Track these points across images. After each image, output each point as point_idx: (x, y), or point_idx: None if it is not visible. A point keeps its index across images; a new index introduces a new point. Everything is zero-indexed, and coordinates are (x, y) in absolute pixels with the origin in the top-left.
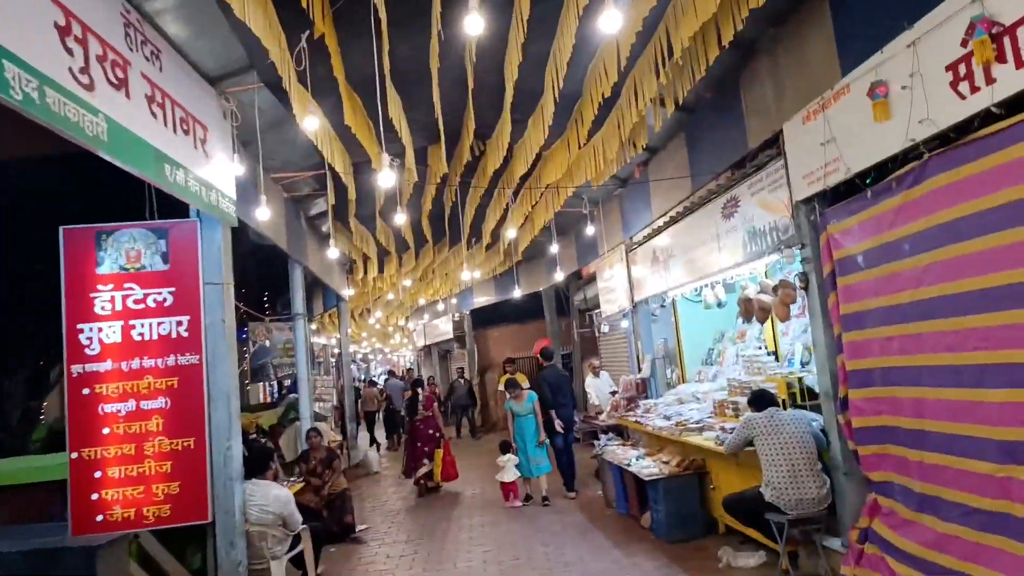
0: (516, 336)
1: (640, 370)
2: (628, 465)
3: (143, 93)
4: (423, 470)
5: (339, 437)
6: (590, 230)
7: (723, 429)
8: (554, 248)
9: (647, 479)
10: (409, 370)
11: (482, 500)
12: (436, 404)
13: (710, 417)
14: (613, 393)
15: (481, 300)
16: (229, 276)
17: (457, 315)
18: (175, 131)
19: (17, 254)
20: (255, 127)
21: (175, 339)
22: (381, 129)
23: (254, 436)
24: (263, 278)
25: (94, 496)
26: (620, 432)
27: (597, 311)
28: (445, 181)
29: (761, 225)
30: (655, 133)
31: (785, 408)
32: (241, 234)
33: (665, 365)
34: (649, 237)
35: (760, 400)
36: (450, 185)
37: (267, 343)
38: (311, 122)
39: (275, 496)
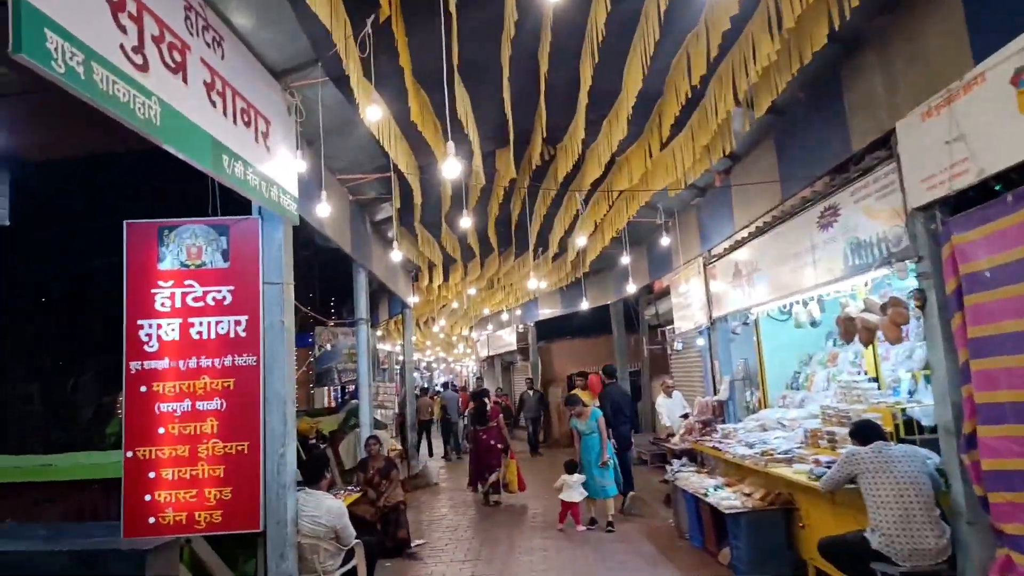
0: (581, 350)
1: (717, 392)
2: (705, 495)
3: (202, 79)
4: (492, 478)
5: (399, 446)
6: (664, 241)
7: (817, 462)
8: (625, 259)
9: (727, 512)
10: (479, 378)
11: (543, 520)
12: (501, 415)
13: (799, 447)
14: (685, 416)
15: (546, 312)
16: (289, 276)
17: (521, 326)
18: (235, 122)
19: (88, 250)
20: (319, 125)
21: (233, 339)
22: (448, 127)
23: (313, 441)
24: (329, 282)
25: (147, 497)
26: (693, 457)
27: (670, 327)
28: (513, 186)
29: (866, 236)
30: (741, 137)
31: (893, 442)
32: (305, 235)
33: (744, 388)
34: (730, 250)
35: (865, 432)
36: (518, 189)
37: (332, 347)
38: (374, 112)
39: (328, 507)
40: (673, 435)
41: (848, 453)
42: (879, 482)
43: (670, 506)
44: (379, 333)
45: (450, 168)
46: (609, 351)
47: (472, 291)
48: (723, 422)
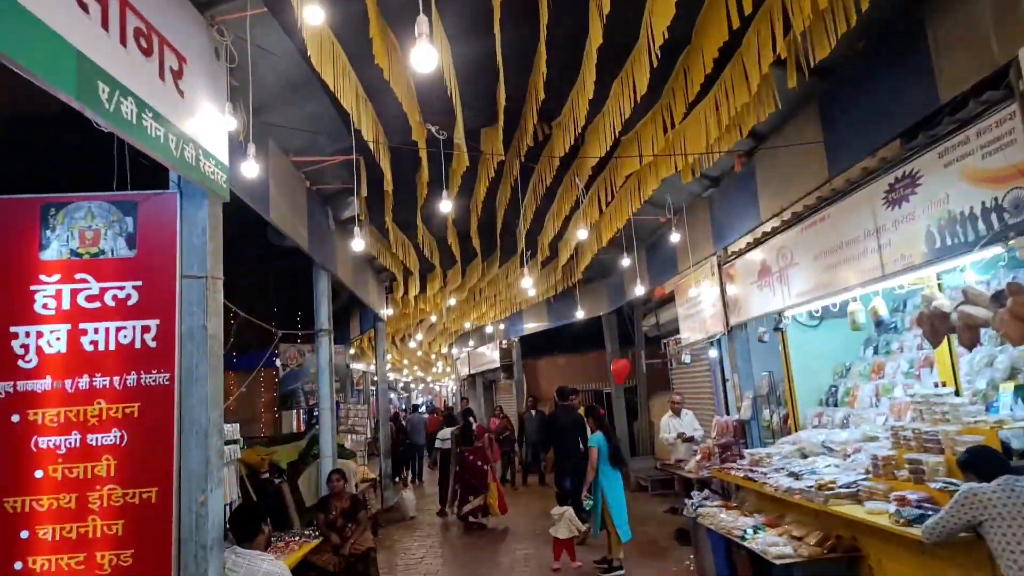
0: (570, 367)
1: (739, 410)
2: (743, 538)
3: None
4: (477, 501)
5: (372, 474)
6: (672, 240)
7: (903, 501)
8: (625, 262)
9: (776, 562)
10: (464, 398)
11: (537, 560)
12: (487, 435)
13: (865, 479)
14: (689, 439)
15: (532, 326)
16: (217, 268)
17: (505, 342)
18: (123, 42)
19: None
20: (268, 87)
21: (139, 350)
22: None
23: (266, 476)
24: (294, 292)
25: (17, 566)
26: (714, 486)
27: (674, 338)
28: (501, 171)
29: (962, 208)
30: (780, 102)
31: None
32: (258, 231)
33: (767, 404)
34: (754, 245)
35: (986, 463)
36: (507, 174)
37: (299, 366)
38: (329, 72)
39: (265, 573)
40: (682, 460)
41: (967, 492)
42: (1018, 531)
43: (684, 544)
44: (352, 351)
45: (423, 58)
46: (601, 367)
47: (452, 301)
48: (745, 444)
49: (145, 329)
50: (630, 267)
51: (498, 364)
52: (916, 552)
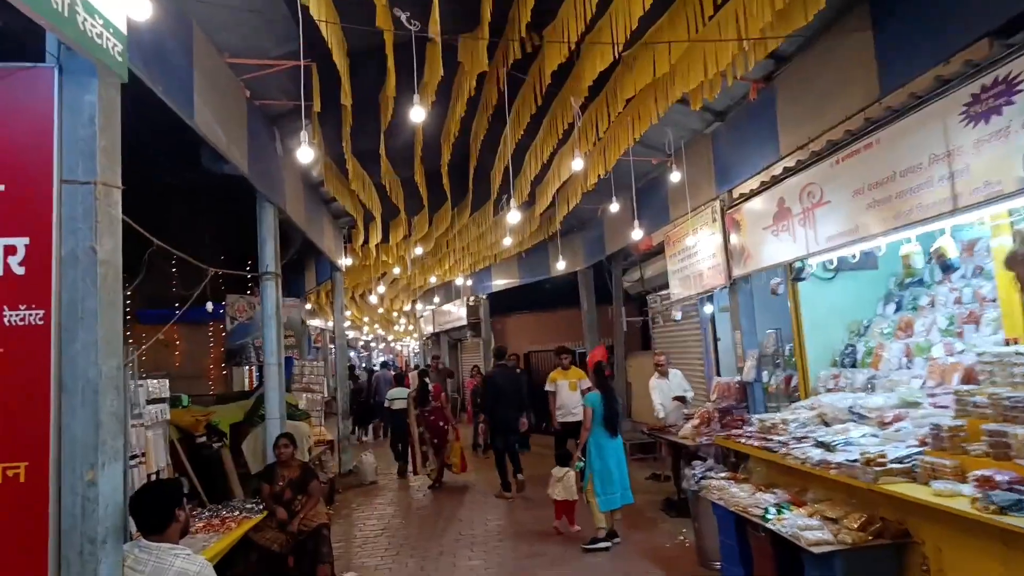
0: (541, 325)
1: (739, 371)
2: (763, 519)
3: None
4: (432, 465)
5: (329, 435)
6: (663, 187)
7: (988, 482)
8: (613, 207)
9: (813, 549)
10: (436, 356)
11: (512, 530)
12: (444, 394)
13: (918, 452)
14: (681, 399)
15: (502, 282)
16: (112, 172)
17: (473, 299)
18: None
19: None
20: None
21: (1, 279)
22: None
23: (202, 440)
24: (245, 239)
25: None
26: (694, 453)
27: (662, 293)
28: (480, 91)
29: None
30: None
31: None
32: (191, 154)
33: (770, 365)
34: (769, 185)
35: None
36: (486, 97)
37: (248, 320)
38: None
39: (178, 572)
40: (672, 424)
41: None
42: None
43: (672, 515)
44: (308, 306)
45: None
46: (573, 325)
47: (419, 251)
48: (746, 409)
49: (9, 250)
50: (618, 213)
51: (465, 322)
52: (997, 545)
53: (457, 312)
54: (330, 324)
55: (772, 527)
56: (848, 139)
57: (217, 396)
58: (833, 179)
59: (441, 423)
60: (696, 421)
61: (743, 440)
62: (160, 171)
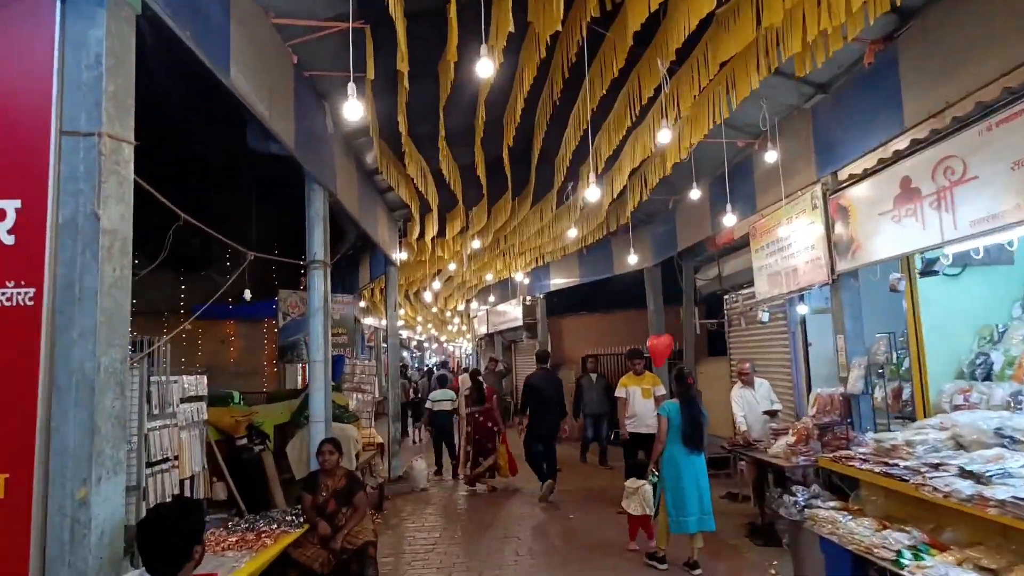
0: (601, 327)
1: (843, 382)
2: (900, 565)
3: None
4: (489, 461)
5: (379, 438)
6: (749, 172)
7: None
8: (694, 194)
9: None
10: (493, 359)
11: (575, 542)
12: (496, 396)
13: None
14: (771, 414)
15: (560, 281)
16: (123, 124)
17: (529, 298)
18: None
19: None
20: None
21: None
22: None
23: (243, 442)
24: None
25: None
26: (780, 474)
27: (744, 292)
28: (551, 56)
29: None
30: None
31: None
32: (236, 135)
33: (880, 376)
34: (888, 163)
35: None
36: (555, 69)
37: (301, 316)
38: None
39: None
40: (754, 441)
41: None
42: None
43: (759, 543)
44: (362, 304)
45: None
46: (637, 328)
47: (476, 244)
48: (851, 426)
49: None
50: (694, 203)
51: (520, 322)
52: None
53: (512, 312)
54: (383, 322)
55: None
56: (1006, 98)
57: (269, 395)
58: (982, 149)
59: (490, 424)
60: (791, 438)
61: (856, 464)
62: (201, 146)
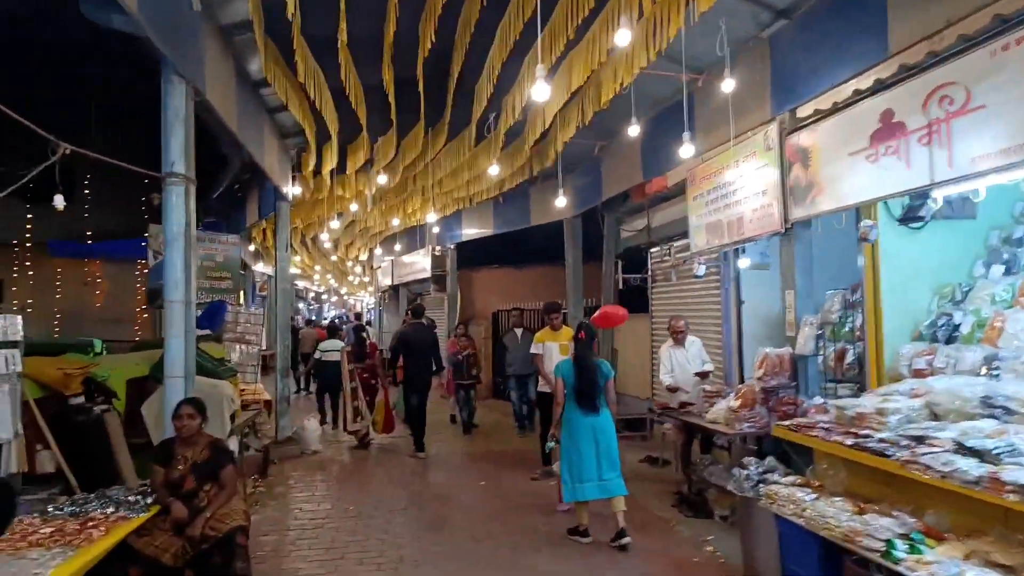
0: (515, 281)
1: (794, 343)
2: (892, 559)
3: None
4: (358, 424)
5: (265, 394)
6: (686, 112)
7: None
8: (633, 130)
9: None
10: (416, 301)
11: (489, 507)
12: (378, 352)
13: None
14: (703, 375)
15: (472, 232)
16: None
17: (439, 249)
18: None
19: None
20: None
21: None
22: None
23: (79, 400)
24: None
25: None
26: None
27: (677, 245)
28: None
29: None
30: None
31: None
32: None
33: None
34: (861, 96)
35: None
36: None
37: None
38: None
39: None
40: (690, 403)
41: None
42: None
43: (689, 515)
44: (253, 248)
45: None
46: (552, 283)
47: (382, 179)
48: (796, 390)
49: None
50: (623, 148)
51: (429, 274)
52: None
53: (420, 263)
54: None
55: (909, 574)
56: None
57: (137, 344)
58: (994, 73)
59: (372, 380)
60: (733, 401)
61: (819, 434)
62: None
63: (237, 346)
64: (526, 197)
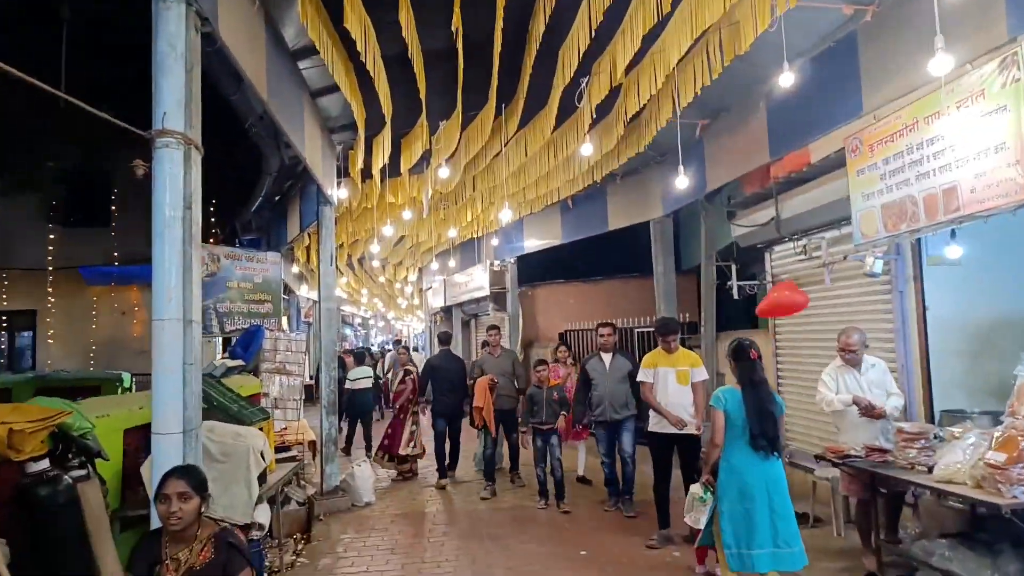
0: (584, 297)
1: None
2: None
3: None
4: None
5: (310, 434)
6: (863, 51)
7: None
8: (785, 80)
9: None
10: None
11: None
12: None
13: None
14: (879, 415)
15: (536, 243)
16: None
17: (497, 263)
18: None
19: None
20: None
21: None
22: None
23: (40, 466)
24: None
25: None
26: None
27: (816, 237)
28: None
29: None
30: None
31: None
32: None
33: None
34: None
35: None
36: None
37: (211, 276)
38: None
39: None
40: (885, 448)
41: None
42: None
43: None
44: (296, 270)
45: None
46: (629, 298)
47: (444, 172)
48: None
49: None
50: (759, 110)
51: (487, 292)
52: None
53: (476, 280)
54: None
55: None
56: None
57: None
58: None
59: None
60: (995, 454)
61: None
62: None
63: (276, 378)
64: (602, 197)
